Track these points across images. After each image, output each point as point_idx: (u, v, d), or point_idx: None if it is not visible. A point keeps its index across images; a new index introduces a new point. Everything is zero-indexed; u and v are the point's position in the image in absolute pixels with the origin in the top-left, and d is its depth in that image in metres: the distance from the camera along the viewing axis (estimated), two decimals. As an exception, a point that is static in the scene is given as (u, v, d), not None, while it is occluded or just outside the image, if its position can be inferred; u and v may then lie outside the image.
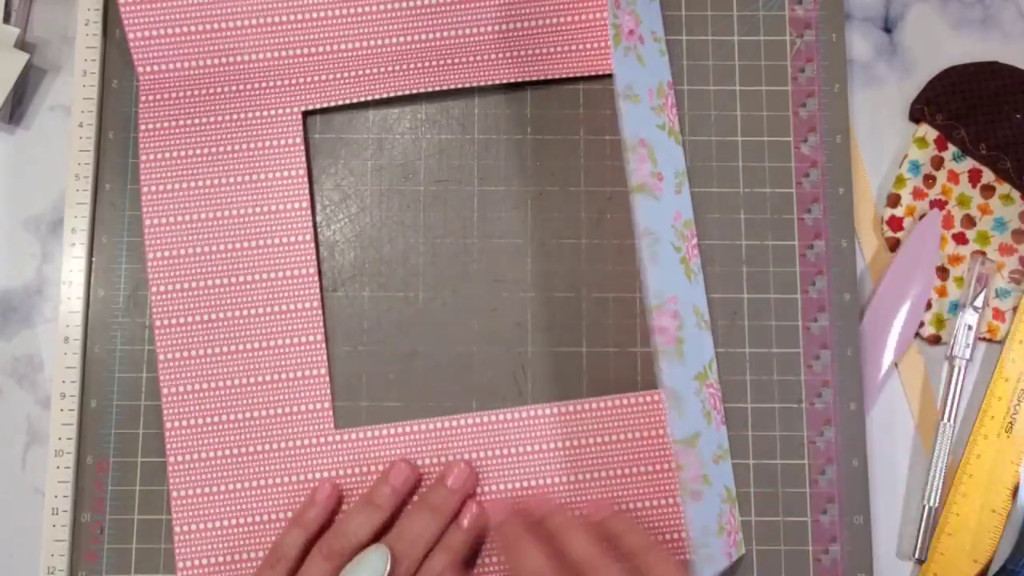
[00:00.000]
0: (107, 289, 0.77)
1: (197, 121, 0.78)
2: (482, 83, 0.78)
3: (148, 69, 0.78)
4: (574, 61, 0.79)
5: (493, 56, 0.79)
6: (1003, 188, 0.79)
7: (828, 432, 0.76)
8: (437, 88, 0.78)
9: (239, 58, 0.78)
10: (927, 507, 0.76)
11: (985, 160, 0.79)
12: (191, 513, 0.74)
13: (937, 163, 0.79)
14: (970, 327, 0.77)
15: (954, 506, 0.76)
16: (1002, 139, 0.79)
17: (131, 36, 0.77)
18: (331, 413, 0.76)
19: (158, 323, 0.76)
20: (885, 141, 0.81)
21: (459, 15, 0.78)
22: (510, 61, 0.79)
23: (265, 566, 0.71)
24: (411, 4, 0.78)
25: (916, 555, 0.76)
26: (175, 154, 0.77)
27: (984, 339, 0.78)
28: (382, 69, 0.78)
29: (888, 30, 0.82)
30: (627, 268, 0.78)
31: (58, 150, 0.80)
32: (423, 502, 0.73)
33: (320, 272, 0.77)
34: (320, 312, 0.76)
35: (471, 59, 0.79)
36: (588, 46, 0.79)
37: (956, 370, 0.77)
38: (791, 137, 0.79)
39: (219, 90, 0.78)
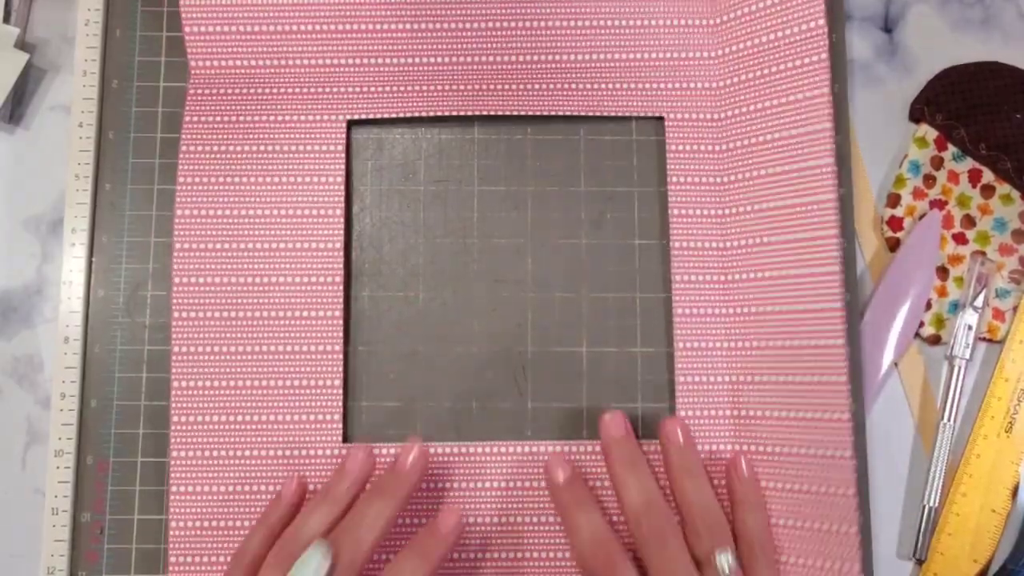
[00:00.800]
0: (107, 289, 0.77)
1: (242, 119, 0.78)
2: (535, 113, 0.78)
3: (200, 64, 0.78)
4: (627, 99, 0.79)
5: (549, 86, 0.79)
6: (1003, 188, 0.79)
7: (828, 432, 0.76)
8: (488, 113, 0.78)
9: (291, 62, 0.78)
10: (927, 507, 0.76)
11: (985, 160, 0.79)
12: (188, 510, 0.74)
13: (937, 163, 0.79)
14: (970, 327, 0.77)
15: (954, 506, 0.76)
16: (1002, 139, 0.79)
17: (187, 31, 0.78)
18: (340, 425, 0.76)
19: (176, 315, 0.75)
20: (885, 141, 0.81)
21: (517, 40, 0.78)
22: (566, 93, 0.78)
23: (229, 569, 0.68)
24: (468, 26, 0.78)
25: (916, 555, 0.76)
26: (217, 148, 0.77)
27: (984, 339, 0.78)
28: (433, 87, 0.78)
29: (888, 30, 0.82)
30: (627, 268, 0.78)
31: (58, 150, 0.80)
32: (372, 487, 0.69)
33: (348, 280, 0.78)
34: (342, 321, 0.76)
35: (526, 87, 0.78)
36: (642, 86, 0.79)
37: (956, 370, 0.77)
38: (792, 137, 0.79)
39: (268, 91, 0.78)
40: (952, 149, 0.79)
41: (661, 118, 0.79)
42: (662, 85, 0.79)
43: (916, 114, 0.80)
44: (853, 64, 0.81)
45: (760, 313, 0.75)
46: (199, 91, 0.78)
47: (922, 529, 0.76)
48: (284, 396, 0.75)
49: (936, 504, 0.76)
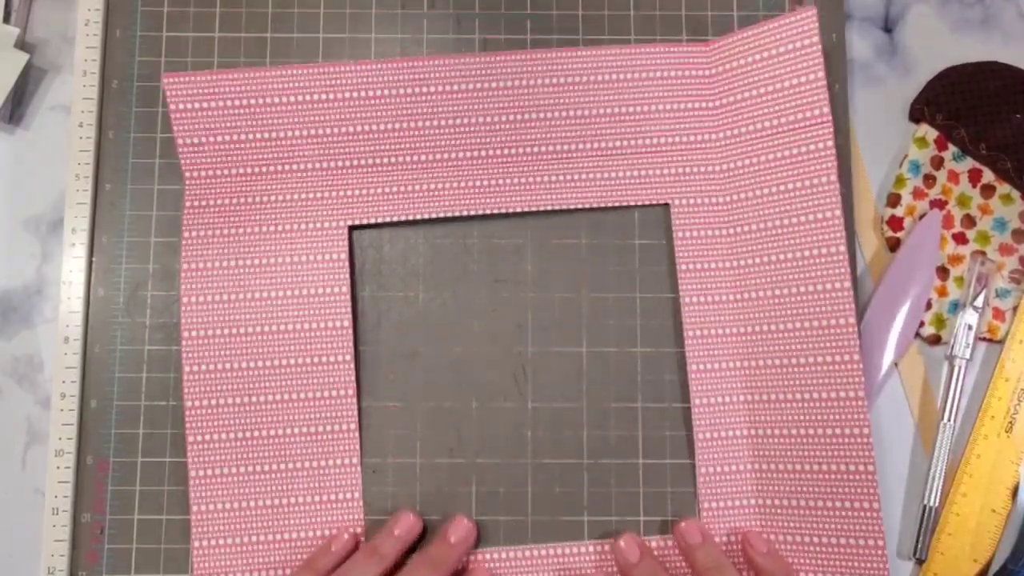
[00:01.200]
0: (107, 289, 0.77)
1: (241, 231, 0.77)
2: (540, 208, 0.78)
3: (195, 174, 0.78)
4: (633, 189, 0.78)
5: (552, 179, 0.78)
6: (1003, 188, 0.79)
7: (828, 432, 0.76)
8: (490, 211, 0.78)
9: (287, 167, 0.78)
10: (927, 507, 0.76)
11: (985, 160, 0.79)
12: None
13: (937, 163, 0.79)
14: (970, 327, 0.77)
15: (954, 506, 0.76)
16: (1002, 139, 0.79)
17: (180, 142, 0.77)
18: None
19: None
20: (885, 141, 0.81)
21: (518, 133, 0.78)
22: (570, 185, 0.78)
23: None
24: (465, 121, 0.78)
25: (916, 555, 0.76)
26: (217, 264, 0.77)
27: (984, 339, 0.78)
28: (434, 186, 0.78)
29: (888, 30, 0.82)
30: (627, 268, 0.78)
31: (58, 150, 0.80)
32: (423, 555, 0.73)
33: (359, 391, 0.77)
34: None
35: (529, 180, 0.78)
36: (646, 172, 0.78)
37: (956, 370, 0.77)
38: (792, 137, 0.79)
39: (265, 199, 0.78)
40: (952, 149, 0.79)
41: (667, 205, 0.79)
42: (666, 170, 0.78)
43: (916, 114, 0.80)
44: (853, 64, 0.81)
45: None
46: (195, 203, 0.77)
47: (922, 529, 0.76)
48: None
49: (936, 504, 0.76)
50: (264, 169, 0.78)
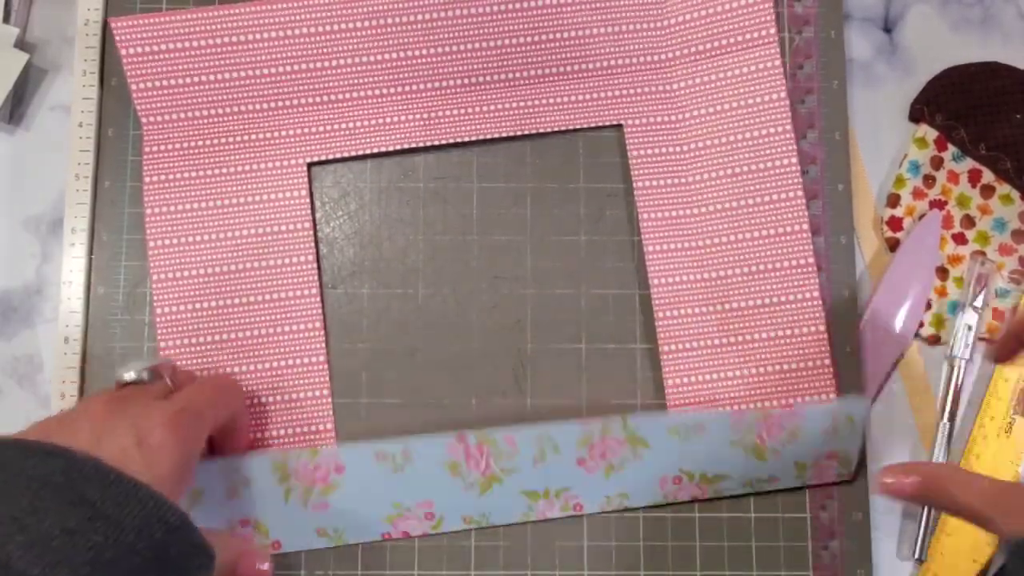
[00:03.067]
0: (107, 287, 0.77)
1: (201, 173, 0.78)
2: (496, 135, 0.79)
3: (152, 119, 0.78)
4: (584, 112, 0.79)
5: (501, 106, 0.79)
6: (1003, 188, 0.79)
7: (828, 429, 0.76)
8: (448, 141, 0.78)
9: (245, 107, 0.78)
10: (927, 507, 0.76)
11: (985, 160, 0.79)
12: None
13: (937, 163, 0.79)
14: (970, 327, 0.77)
15: (954, 507, 0.76)
16: (1002, 139, 0.79)
17: (134, 87, 0.77)
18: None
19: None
20: (885, 141, 0.81)
21: (472, 62, 0.78)
22: (519, 112, 0.79)
23: None
24: (420, 53, 0.78)
25: (916, 555, 0.75)
26: (179, 207, 0.77)
27: (984, 339, 0.78)
28: (390, 120, 0.78)
29: (888, 30, 0.82)
30: (626, 265, 0.78)
31: (58, 150, 0.80)
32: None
33: (325, 327, 0.78)
34: (325, 351, 0.77)
35: (484, 109, 0.79)
36: (597, 95, 0.79)
37: (956, 370, 0.77)
38: (790, 134, 0.79)
39: (224, 140, 0.78)
40: (952, 149, 0.79)
41: (620, 125, 0.79)
42: (617, 92, 0.79)
43: (916, 114, 0.80)
44: (853, 64, 0.81)
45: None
46: (155, 148, 0.78)
47: (922, 529, 0.75)
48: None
49: (933, 504, 0.76)
50: (220, 111, 0.78)
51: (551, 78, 0.79)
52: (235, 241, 0.77)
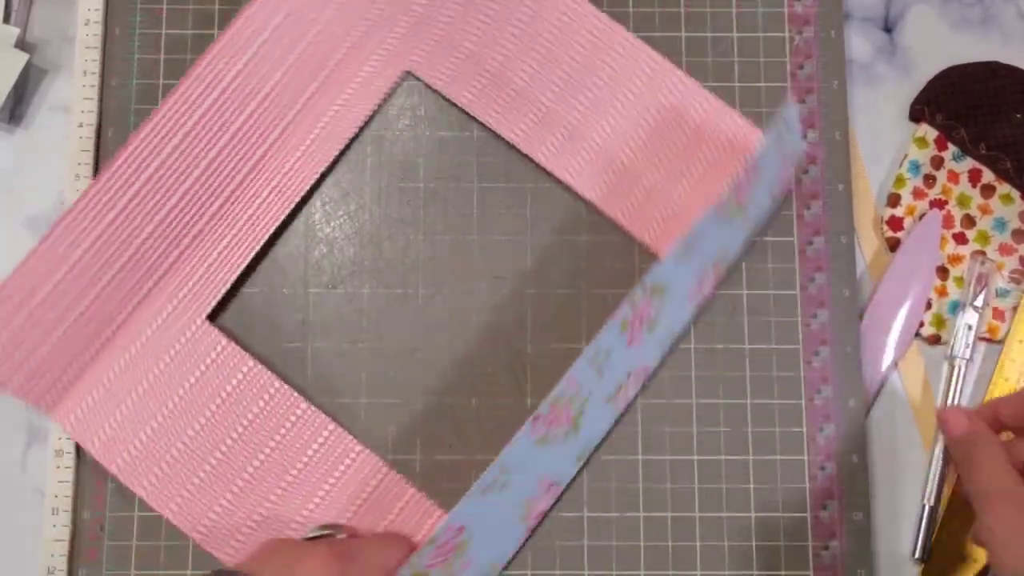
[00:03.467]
0: (107, 286, 0.77)
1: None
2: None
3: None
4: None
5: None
6: (1003, 188, 0.79)
7: (828, 428, 0.76)
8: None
9: None
10: (927, 507, 0.76)
11: (985, 160, 0.79)
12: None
13: (937, 163, 0.79)
14: (970, 327, 0.77)
15: (954, 507, 0.76)
16: (1002, 139, 0.79)
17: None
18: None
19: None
20: (885, 141, 0.81)
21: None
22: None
23: None
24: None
25: (916, 555, 0.75)
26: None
27: (984, 339, 0.78)
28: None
29: (888, 30, 0.82)
30: (626, 265, 0.78)
31: (58, 150, 0.80)
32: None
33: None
34: None
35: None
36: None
37: (956, 370, 0.77)
38: (790, 134, 0.79)
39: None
40: (952, 149, 0.79)
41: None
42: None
43: (916, 114, 0.80)
44: (853, 64, 0.82)
45: None
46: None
47: (922, 529, 0.75)
48: None
49: (935, 504, 0.75)
50: None
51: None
52: None
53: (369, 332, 0.77)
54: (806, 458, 0.76)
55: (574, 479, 0.76)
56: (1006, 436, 0.70)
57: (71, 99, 0.80)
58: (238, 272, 0.77)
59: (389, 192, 0.79)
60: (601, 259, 0.78)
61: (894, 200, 0.79)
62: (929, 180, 0.79)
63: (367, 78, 0.79)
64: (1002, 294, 0.78)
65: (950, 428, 0.70)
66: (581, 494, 0.76)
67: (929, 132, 0.80)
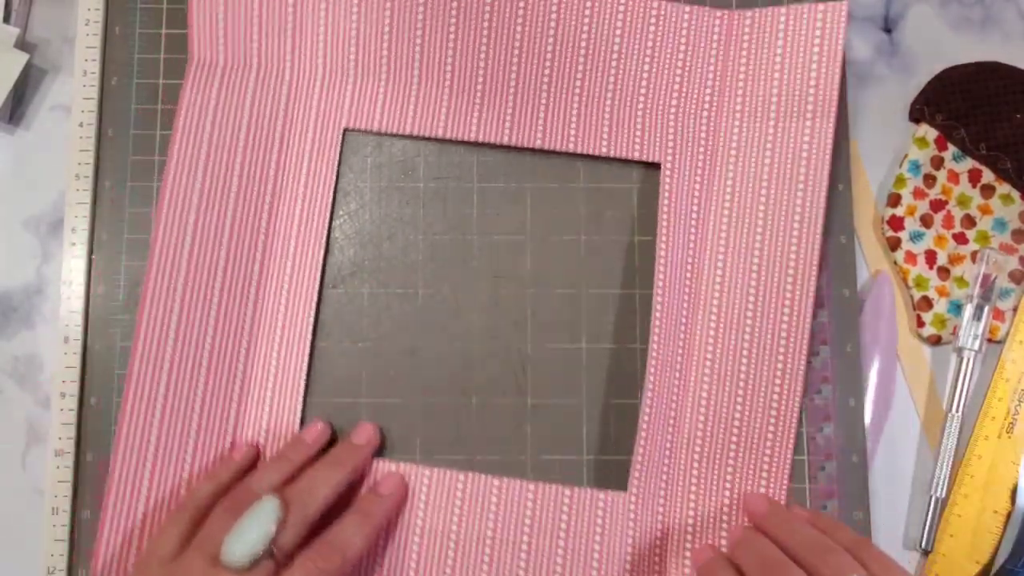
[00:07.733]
0: (107, 286, 0.77)
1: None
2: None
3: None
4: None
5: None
6: (1003, 188, 0.79)
7: (827, 428, 0.76)
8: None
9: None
10: (935, 498, 0.76)
11: (985, 160, 0.79)
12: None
13: (937, 163, 0.79)
14: (978, 318, 0.77)
15: (955, 507, 0.76)
16: (1002, 139, 0.79)
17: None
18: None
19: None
20: (885, 141, 0.81)
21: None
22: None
23: (170, 516, 0.70)
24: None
25: (923, 546, 0.75)
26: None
27: (988, 340, 0.78)
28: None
29: (888, 30, 0.82)
30: (626, 264, 0.78)
31: (58, 150, 0.80)
32: (326, 456, 0.73)
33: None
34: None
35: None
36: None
37: (965, 361, 0.77)
38: (791, 134, 0.79)
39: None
40: (952, 149, 0.79)
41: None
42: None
43: (916, 114, 0.80)
44: (853, 64, 0.81)
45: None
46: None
47: (929, 519, 0.76)
48: None
49: (944, 495, 0.76)
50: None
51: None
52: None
53: (369, 332, 0.77)
54: (806, 458, 0.76)
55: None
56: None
57: (71, 99, 0.80)
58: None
59: (389, 192, 0.79)
60: (600, 259, 0.78)
61: (894, 200, 0.79)
62: (929, 180, 0.79)
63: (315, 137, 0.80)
64: (1002, 294, 0.78)
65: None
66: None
67: (929, 132, 0.80)
